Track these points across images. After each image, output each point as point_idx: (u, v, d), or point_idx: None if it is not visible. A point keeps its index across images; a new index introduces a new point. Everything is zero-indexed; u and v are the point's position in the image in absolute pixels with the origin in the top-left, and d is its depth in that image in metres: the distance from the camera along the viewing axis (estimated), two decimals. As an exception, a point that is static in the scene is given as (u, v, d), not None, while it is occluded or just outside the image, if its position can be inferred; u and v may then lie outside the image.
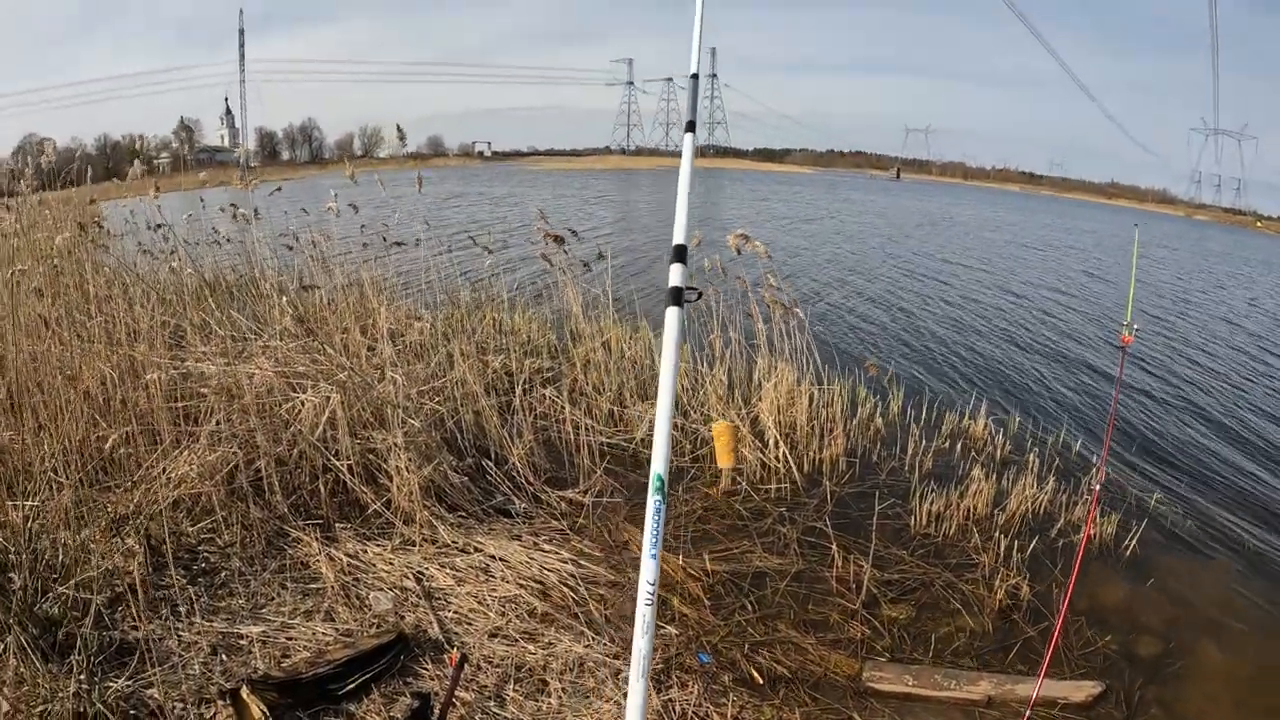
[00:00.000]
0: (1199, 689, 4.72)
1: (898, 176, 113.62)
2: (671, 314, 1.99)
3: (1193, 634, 5.20)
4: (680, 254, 2.09)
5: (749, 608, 4.74)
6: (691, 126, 2.39)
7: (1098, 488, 4.35)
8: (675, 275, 2.06)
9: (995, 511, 6.14)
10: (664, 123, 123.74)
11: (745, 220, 28.09)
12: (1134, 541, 6.00)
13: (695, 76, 2.49)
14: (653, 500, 1.69)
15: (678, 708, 3.77)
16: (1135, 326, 5.32)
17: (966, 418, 7.89)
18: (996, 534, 5.73)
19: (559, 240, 7.39)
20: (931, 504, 6.00)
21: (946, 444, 7.36)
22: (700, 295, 2.32)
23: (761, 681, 4.13)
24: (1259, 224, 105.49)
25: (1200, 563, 6.15)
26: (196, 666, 3.66)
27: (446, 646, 3.94)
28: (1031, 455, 6.87)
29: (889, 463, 6.91)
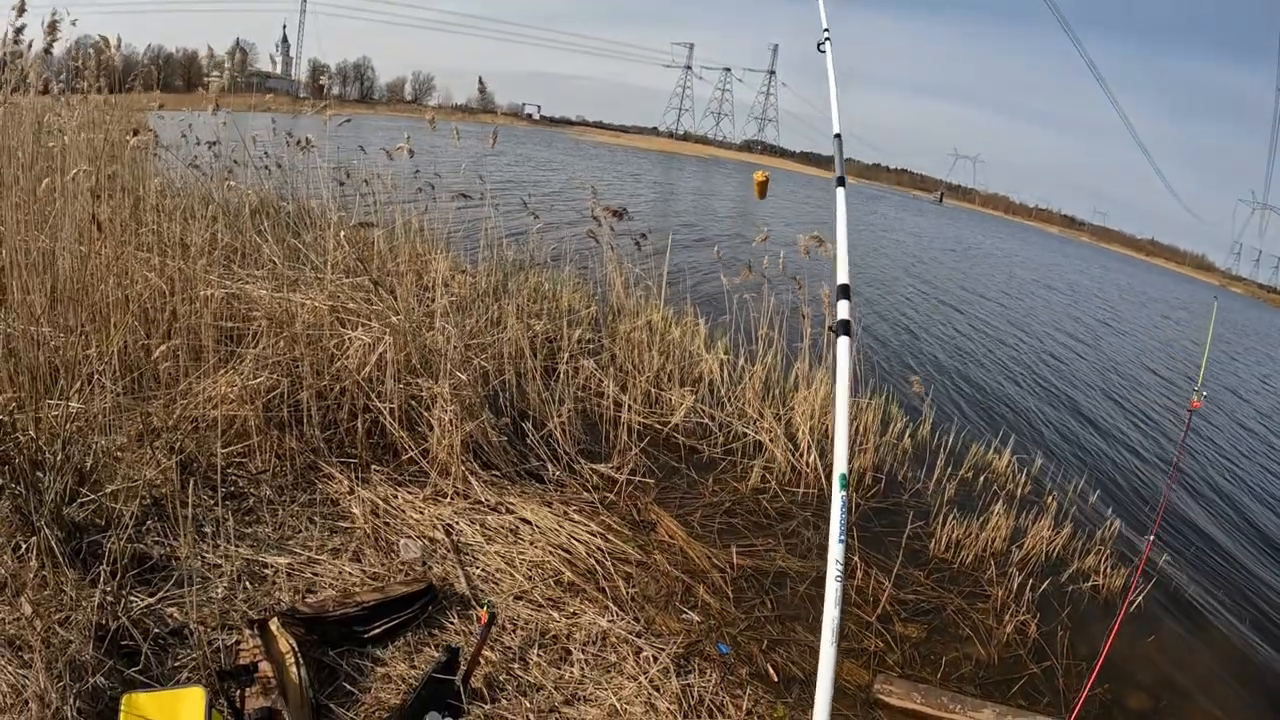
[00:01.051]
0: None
1: (940, 200, 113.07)
2: (842, 343, 2.34)
3: (1182, 694, 5.32)
4: (844, 292, 2.47)
5: (769, 605, 4.83)
6: (842, 182, 2.70)
7: (1151, 537, 4.41)
8: (843, 309, 2.43)
9: (1011, 548, 6.23)
10: (715, 112, 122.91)
11: (785, 221, 28.04)
12: (1140, 598, 6.08)
13: (838, 136, 2.76)
14: (839, 495, 2.09)
15: (696, 693, 3.84)
16: (1204, 393, 5.38)
17: (991, 451, 7.95)
18: (1011, 569, 5.81)
19: (618, 215, 7.42)
20: (951, 531, 6.07)
21: (970, 474, 7.42)
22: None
23: (776, 679, 4.22)
24: None
25: (1198, 626, 6.26)
26: (220, 590, 3.69)
27: (474, 603, 4.00)
28: (1050, 498, 6.97)
29: (914, 484, 6.98)
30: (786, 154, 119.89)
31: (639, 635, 4.12)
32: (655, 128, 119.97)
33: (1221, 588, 7.08)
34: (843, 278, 2.49)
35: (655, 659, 3.94)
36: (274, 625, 3.30)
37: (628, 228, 8.03)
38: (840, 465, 2.07)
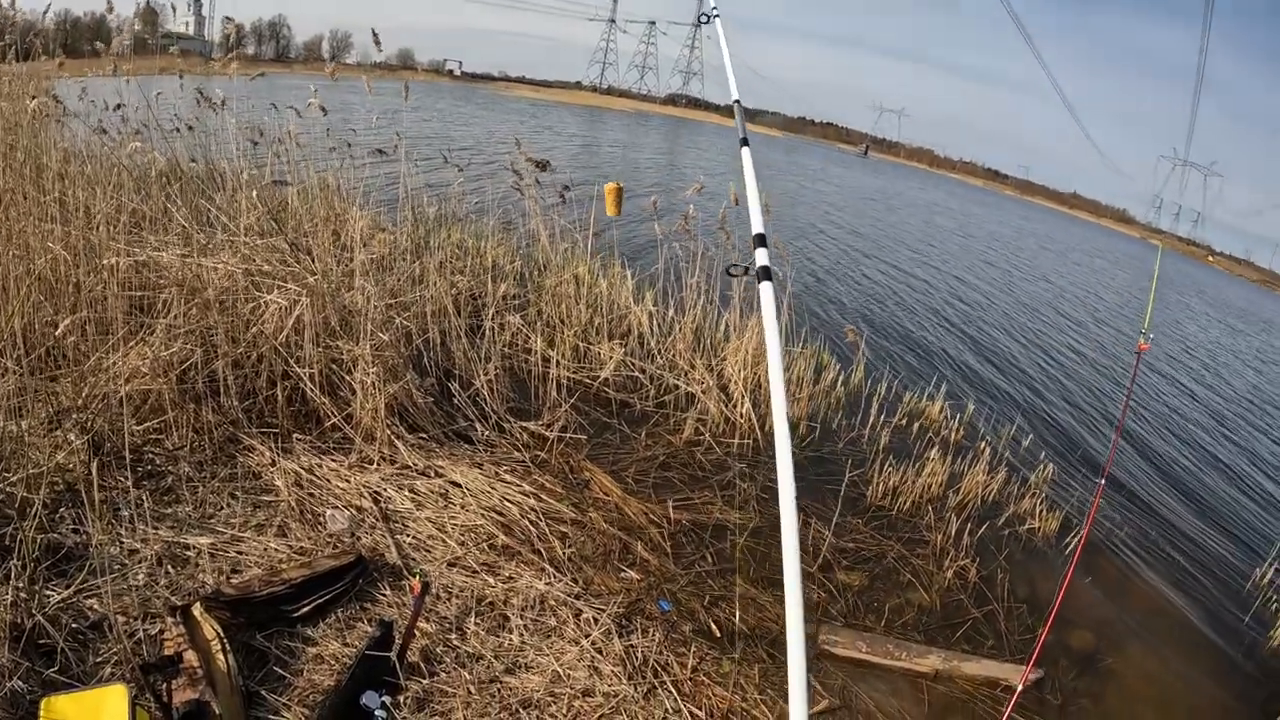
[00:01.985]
0: (1124, 685, 4.96)
1: (865, 153, 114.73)
2: (765, 288, 2.44)
3: (1122, 633, 5.46)
4: (761, 240, 2.62)
5: (709, 559, 4.76)
6: (745, 142, 3.06)
7: (1102, 482, 4.43)
8: (761, 256, 2.56)
9: (948, 493, 6.30)
10: (640, 66, 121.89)
11: (709, 173, 28.01)
12: (1075, 540, 6.19)
13: (738, 102, 2.85)
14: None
15: (639, 653, 3.76)
16: (1151, 335, 5.44)
17: (925, 398, 8.05)
18: (949, 515, 5.89)
19: (541, 166, 7.21)
20: (888, 478, 6.10)
21: (904, 421, 7.49)
22: (747, 271, 2.69)
23: (720, 635, 4.16)
24: (1210, 258, 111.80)
25: (1136, 569, 6.42)
26: (142, 577, 3.45)
27: (406, 572, 3.84)
28: (984, 444, 7.06)
29: (848, 432, 7.00)
30: (711, 107, 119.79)
31: (578, 597, 4.01)
32: (579, 82, 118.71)
33: (1156, 529, 7.30)
34: (757, 228, 2.66)
35: (596, 620, 3.84)
36: (197, 611, 3.09)
37: (551, 180, 7.85)
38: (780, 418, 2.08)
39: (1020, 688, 3.64)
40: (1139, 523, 7.28)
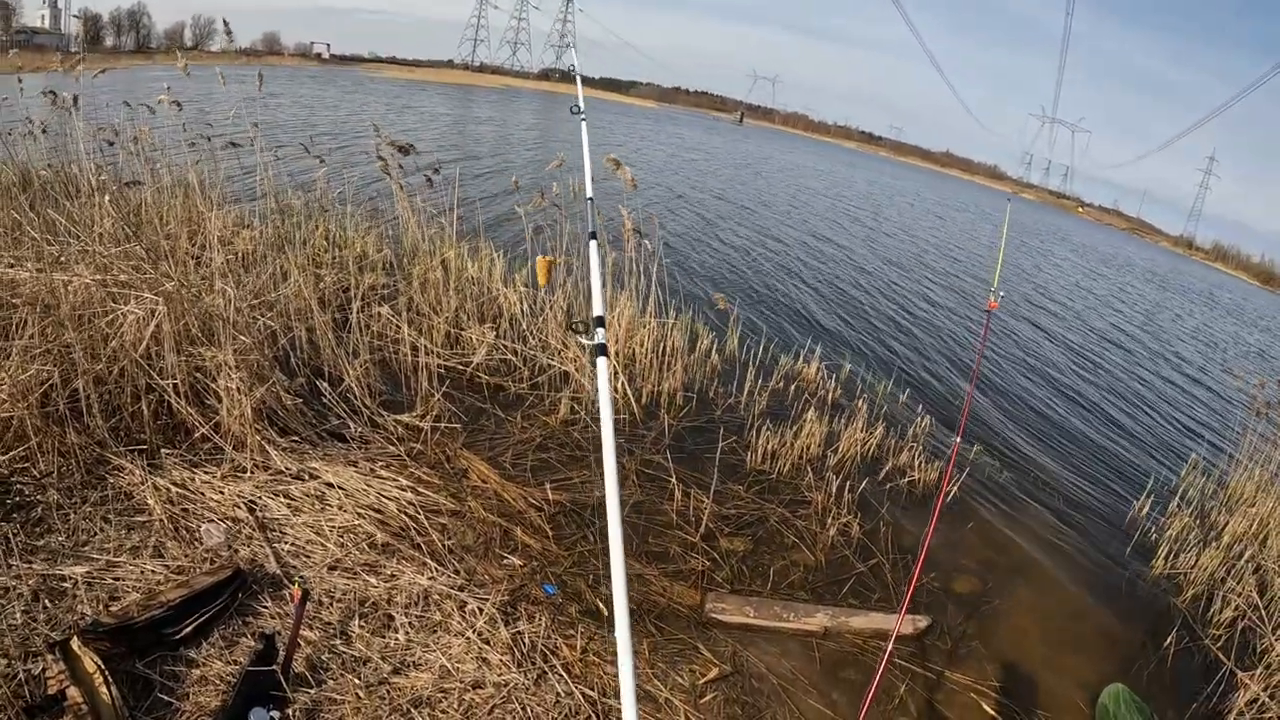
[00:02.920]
0: (1011, 624, 5.27)
1: (741, 121, 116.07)
2: (601, 364, 2.49)
3: (1006, 575, 5.79)
4: (600, 321, 2.66)
5: (591, 539, 4.84)
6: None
7: (958, 440, 4.66)
8: (599, 336, 2.59)
9: (827, 453, 6.54)
10: (512, 41, 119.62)
11: (577, 146, 27.85)
12: (954, 488, 6.52)
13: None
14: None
15: (527, 639, 3.82)
16: (1001, 293, 5.71)
17: (800, 361, 8.31)
18: (828, 474, 6.09)
19: (404, 151, 7.10)
20: (767, 442, 6.28)
21: (781, 384, 7.71)
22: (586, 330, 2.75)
23: (608, 613, 4.23)
24: (1080, 209, 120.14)
25: (1014, 511, 6.81)
26: (18, 615, 3.31)
27: (286, 581, 3.79)
28: (860, 402, 7.32)
29: (725, 399, 7.17)
30: (586, 81, 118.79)
31: (461, 589, 4.04)
32: (450, 60, 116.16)
33: (1033, 472, 7.76)
34: (598, 310, 2.75)
35: (481, 611, 3.88)
36: (75, 644, 2.99)
37: (418, 164, 7.75)
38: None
39: (894, 634, 3.82)
40: (1016, 467, 7.72)
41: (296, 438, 4.99)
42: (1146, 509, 7.54)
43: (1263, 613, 6.09)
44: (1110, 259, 43.54)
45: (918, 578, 4.04)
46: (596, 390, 2.34)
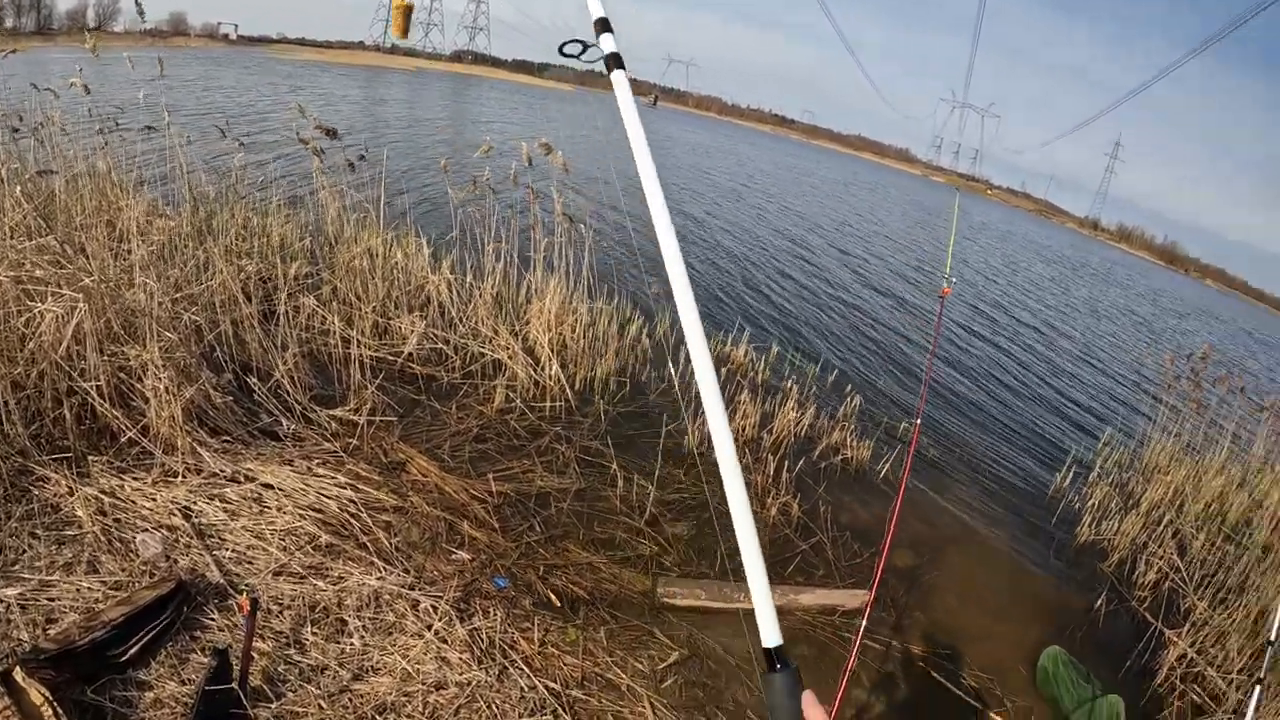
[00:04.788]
0: (950, 594, 5.44)
1: (655, 103, 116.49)
2: (619, 78, 1.96)
3: (942, 548, 5.96)
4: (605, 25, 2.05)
5: (537, 529, 4.82)
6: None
7: (919, 421, 4.73)
8: (607, 42, 1.99)
9: (762, 434, 6.61)
10: (424, 22, 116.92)
11: (499, 131, 27.59)
12: (886, 465, 6.67)
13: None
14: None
15: (484, 636, 3.78)
16: (953, 279, 5.83)
17: (730, 343, 8.38)
18: (765, 455, 6.18)
19: (330, 134, 6.92)
20: (703, 425, 6.29)
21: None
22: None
23: (560, 604, 4.24)
24: (989, 192, 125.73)
25: (945, 486, 7.00)
26: None
27: (232, 591, 3.65)
28: (790, 383, 7.40)
29: (658, 383, 7.19)
30: (499, 63, 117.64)
31: (412, 587, 3.97)
32: (361, 42, 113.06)
33: (962, 448, 7.99)
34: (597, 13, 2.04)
35: (435, 609, 3.82)
36: (18, 675, 2.80)
37: (338, 148, 7.56)
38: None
39: (866, 612, 3.88)
40: (945, 444, 7.95)
41: (229, 438, 4.80)
42: (1069, 480, 7.84)
43: (1184, 573, 6.38)
44: (1029, 242, 45.20)
45: (887, 553, 4.10)
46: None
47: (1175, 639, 5.51)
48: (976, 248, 32.84)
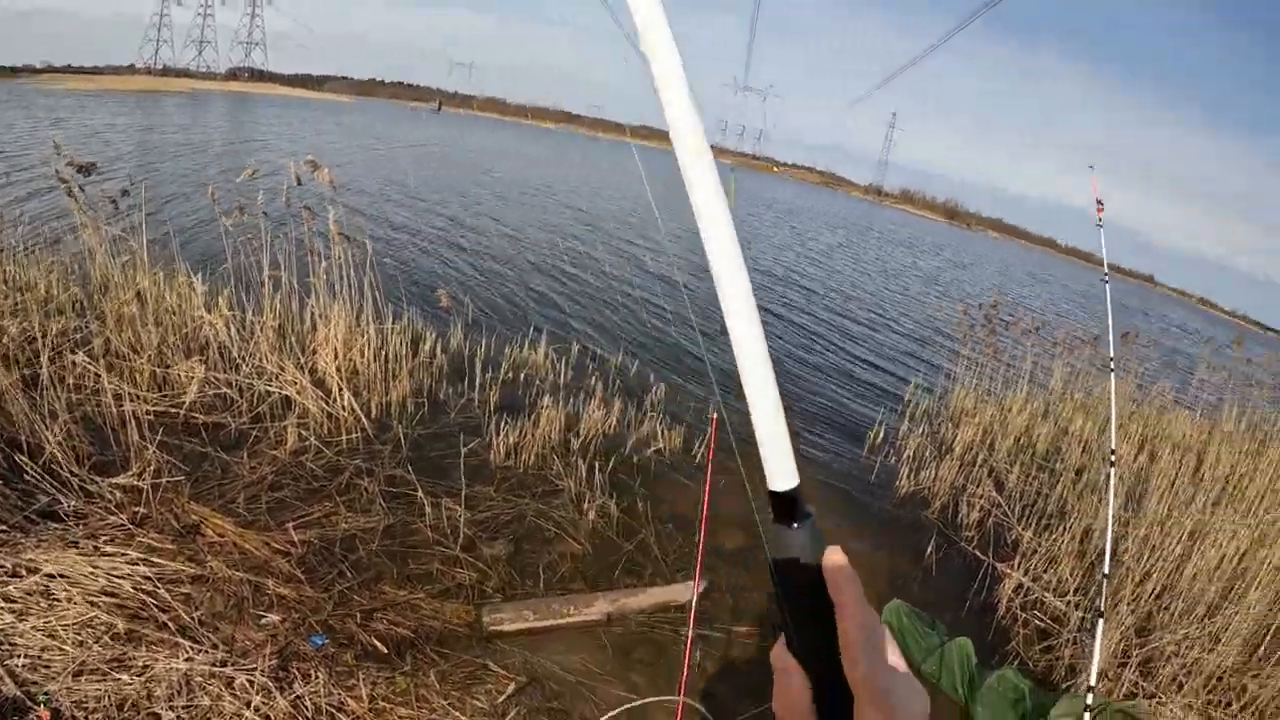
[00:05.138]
0: None
1: (439, 109, 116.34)
2: None
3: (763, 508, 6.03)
4: None
5: (348, 574, 4.58)
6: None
7: (715, 415, 4.76)
8: None
9: (570, 437, 6.57)
10: (197, 40, 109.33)
11: (271, 149, 26.27)
12: (700, 450, 6.75)
13: None
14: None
15: (309, 703, 3.55)
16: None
17: (528, 348, 8.26)
18: (575, 458, 6.12)
19: (85, 170, 6.33)
20: (507, 436, 6.21)
21: (511, 375, 7.64)
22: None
23: (386, 650, 4.06)
24: (776, 169, 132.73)
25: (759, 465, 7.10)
26: None
27: (29, 703, 3.28)
28: (593, 379, 7.40)
29: (458, 399, 7.00)
30: (279, 78, 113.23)
31: (224, 663, 3.68)
32: (132, 65, 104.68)
33: (789, 415, 8.13)
34: None
35: (252, 683, 3.56)
36: None
37: (100, 183, 6.95)
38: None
39: (694, 602, 3.90)
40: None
41: (4, 527, 4.32)
42: (881, 437, 8.23)
43: (1005, 508, 6.81)
44: (817, 214, 47.16)
45: (706, 538, 4.12)
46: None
47: (1009, 571, 5.87)
48: (765, 223, 34.03)
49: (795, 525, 0.72)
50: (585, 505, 5.64)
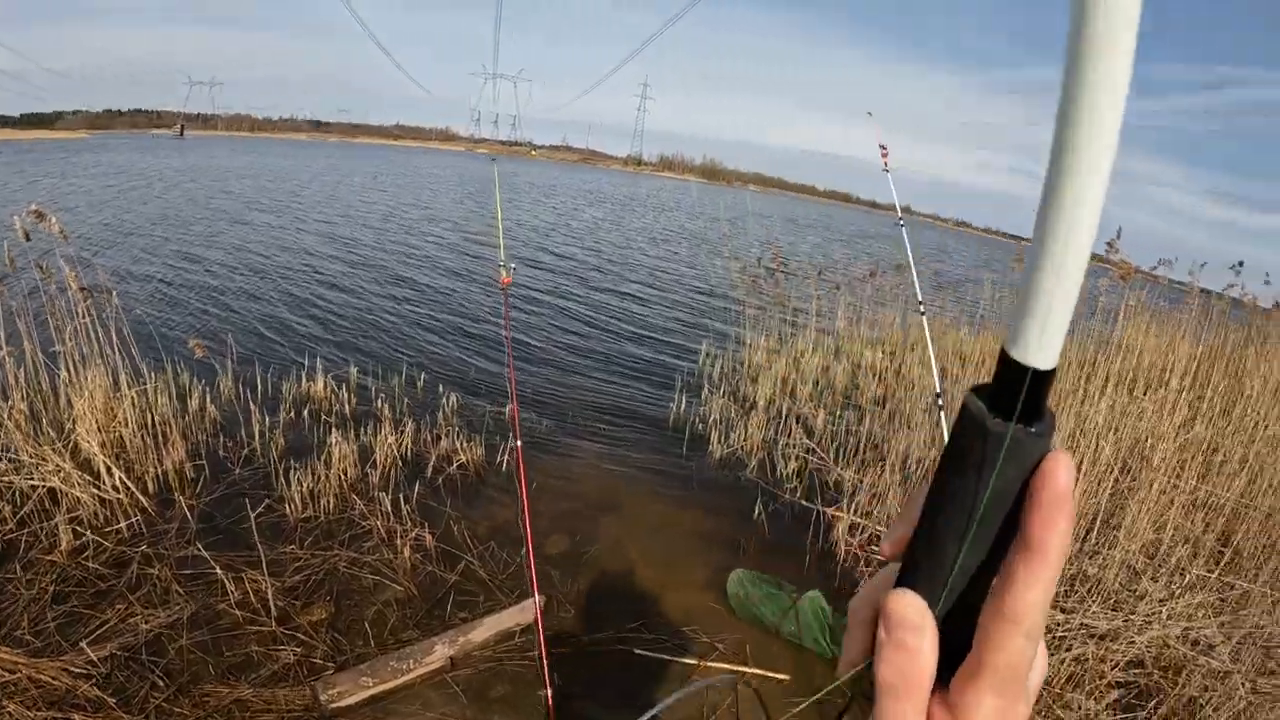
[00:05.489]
0: (618, 562, 5.66)
1: (181, 133, 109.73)
2: None
3: (592, 519, 6.14)
4: None
5: (162, 684, 4.23)
6: None
7: (518, 441, 4.66)
8: None
9: (366, 470, 6.33)
10: None
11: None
12: (505, 457, 6.66)
13: None
14: None
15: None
16: (512, 266, 5.74)
17: (305, 380, 7.88)
18: (376, 493, 5.91)
19: None
20: (301, 484, 5.91)
21: (293, 414, 7.26)
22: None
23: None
24: (533, 153, 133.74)
25: (572, 455, 7.15)
26: None
27: None
28: (380, 403, 7.15)
29: (240, 453, 6.57)
30: (6, 121, 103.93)
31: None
32: None
33: (565, 414, 8.15)
34: None
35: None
36: None
37: None
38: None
39: (540, 622, 3.84)
40: (554, 413, 8.04)
41: None
42: (684, 406, 8.38)
43: (819, 452, 7.05)
44: (579, 191, 47.19)
45: (533, 549, 4.06)
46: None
47: (838, 514, 6.12)
48: (525, 209, 33.70)
49: (1034, 428, 0.43)
50: (398, 542, 5.44)
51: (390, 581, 5.14)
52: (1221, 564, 5.29)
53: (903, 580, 0.48)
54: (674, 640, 4.86)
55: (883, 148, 5.12)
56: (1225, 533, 5.74)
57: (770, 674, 4.70)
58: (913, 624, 0.47)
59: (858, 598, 0.54)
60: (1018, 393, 0.42)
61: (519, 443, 4.59)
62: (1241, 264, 8.68)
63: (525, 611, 4.84)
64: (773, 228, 41.89)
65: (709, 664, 4.71)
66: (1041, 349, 0.42)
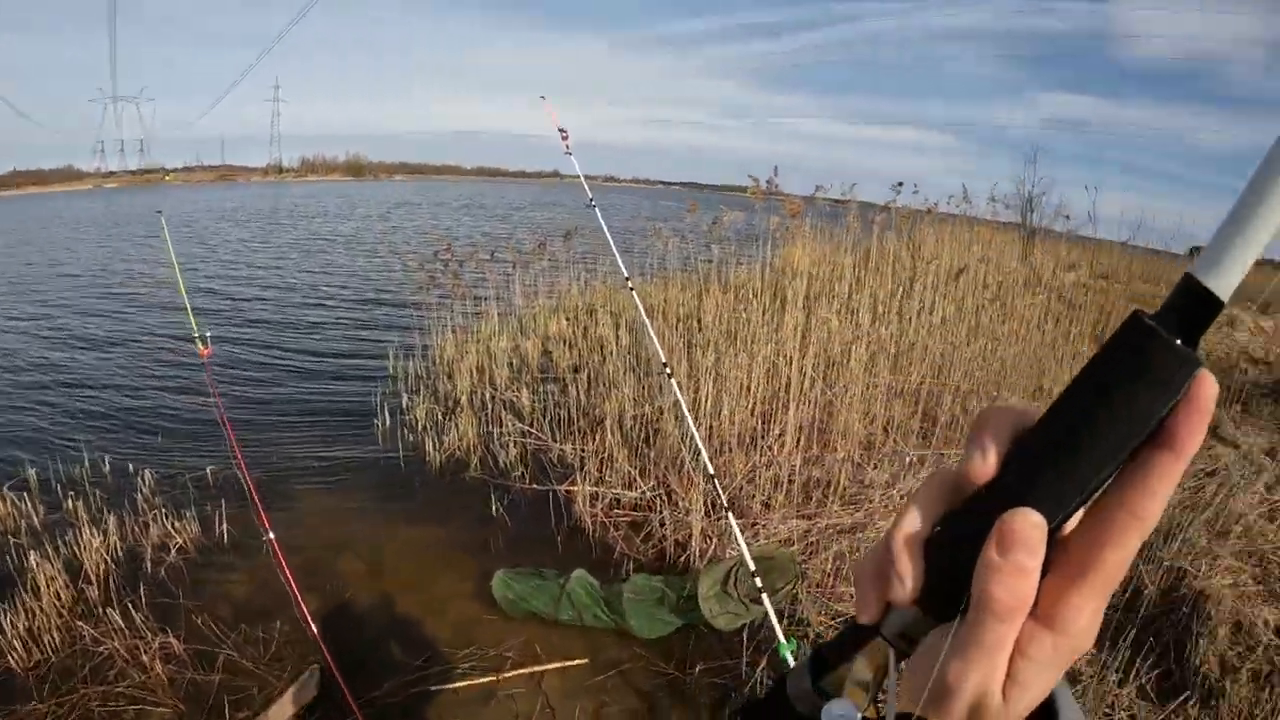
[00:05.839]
0: (378, 598, 5.56)
1: None
2: None
3: (331, 562, 6.01)
4: None
5: None
6: None
7: (271, 535, 4.38)
8: None
9: (82, 586, 5.65)
10: None
11: None
12: (224, 525, 6.27)
13: None
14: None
15: None
16: (208, 334, 5.29)
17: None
18: (101, 611, 5.33)
19: None
20: (15, 626, 5.21)
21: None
22: None
23: None
24: (168, 177, 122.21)
25: (290, 509, 6.74)
26: None
27: None
28: (71, 503, 6.45)
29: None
30: None
31: None
32: None
33: (288, 463, 7.64)
34: None
35: None
36: None
37: None
38: None
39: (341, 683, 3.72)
40: (265, 470, 7.44)
41: None
42: (388, 421, 8.14)
43: (533, 432, 7.14)
44: (219, 214, 43.64)
45: (317, 631, 3.88)
46: None
47: (572, 488, 6.26)
48: (157, 246, 30.37)
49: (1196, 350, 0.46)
50: (145, 658, 4.98)
51: (153, 706, 4.75)
52: (931, 440, 5.93)
53: (1012, 500, 0.48)
54: (463, 664, 4.85)
55: (562, 131, 5.10)
56: (926, 412, 6.43)
57: (567, 663, 4.83)
58: (1034, 545, 0.47)
59: (866, 559, 0.55)
60: (1202, 318, 0.45)
61: (271, 536, 4.33)
62: (901, 184, 9.91)
63: (305, 686, 4.65)
64: (425, 215, 41.12)
65: (504, 675, 4.74)
66: (1230, 284, 0.45)
